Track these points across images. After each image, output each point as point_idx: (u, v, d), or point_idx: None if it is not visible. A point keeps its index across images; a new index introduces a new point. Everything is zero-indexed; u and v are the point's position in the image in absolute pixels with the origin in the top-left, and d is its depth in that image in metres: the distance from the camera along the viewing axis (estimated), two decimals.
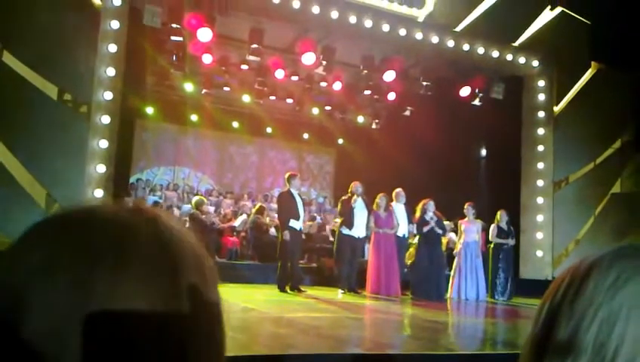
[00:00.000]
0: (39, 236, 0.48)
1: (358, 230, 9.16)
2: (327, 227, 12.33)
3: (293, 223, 8.68)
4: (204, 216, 10.64)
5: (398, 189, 9.90)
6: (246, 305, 6.54)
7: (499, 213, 9.92)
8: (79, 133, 8.26)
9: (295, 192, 8.89)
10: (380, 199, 9.43)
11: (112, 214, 0.50)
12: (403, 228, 9.70)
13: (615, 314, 0.51)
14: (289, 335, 4.80)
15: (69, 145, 8.16)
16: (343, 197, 9.53)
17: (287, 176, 9.10)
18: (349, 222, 9.10)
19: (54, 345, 0.42)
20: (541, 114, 11.54)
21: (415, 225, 9.73)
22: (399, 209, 9.70)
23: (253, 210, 11.89)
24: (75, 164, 8.13)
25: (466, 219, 9.80)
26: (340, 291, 8.97)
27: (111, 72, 8.44)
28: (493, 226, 9.88)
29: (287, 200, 8.77)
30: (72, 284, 0.44)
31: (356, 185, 9.30)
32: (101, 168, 8.30)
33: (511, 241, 9.90)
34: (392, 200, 9.70)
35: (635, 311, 0.50)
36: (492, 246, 9.87)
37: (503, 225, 9.88)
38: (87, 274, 0.44)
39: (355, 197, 9.16)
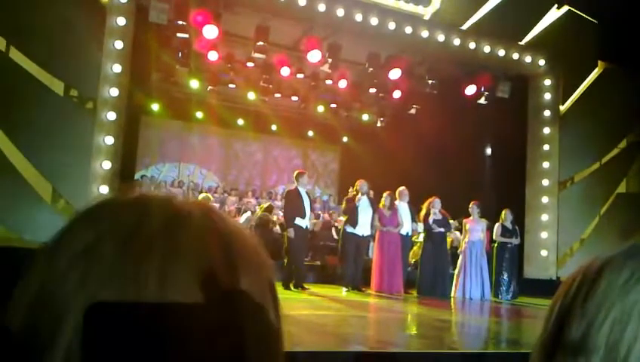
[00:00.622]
0: (84, 223, 0.45)
1: (363, 228, 9.14)
2: (335, 225, 12.32)
3: (298, 221, 8.69)
4: None
5: (402, 188, 9.89)
6: None
7: (503, 212, 9.90)
8: (85, 129, 8.28)
9: (302, 190, 8.90)
10: (385, 198, 9.43)
11: (164, 201, 0.47)
12: (407, 226, 9.69)
13: (628, 314, 0.50)
14: (294, 333, 4.81)
15: (75, 141, 8.19)
16: (347, 196, 9.53)
17: (295, 173, 9.14)
18: (353, 221, 9.10)
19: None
20: (547, 113, 11.50)
21: (422, 224, 9.74)
22: (403, 207, 9.69)
23: (261, 208, 11.91)
24: (80, 159, 8.15)
25: (471, 218, 9.78)
26: (344, 289, 8.97)
27: (117, 68, 8.46)
28: (497, 225, 9.86)
29: (294, 198, 8.79)
30: (118, 274, 0.41)
31: (361, 184, 9.28)
32: (106, 164, 8.33)
33: (515, 241, 9.87)
34: (396, 199, 9.69)
35: None
36: (496, 245, 9.85)
37: (508, 224, 9.86)
38: (135, 263, 0.41)
39: (359, 195, 9.16)
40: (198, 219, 0.46)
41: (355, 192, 9.34)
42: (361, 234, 9.15)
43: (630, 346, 0.49)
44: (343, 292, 8.85)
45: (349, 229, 9.11)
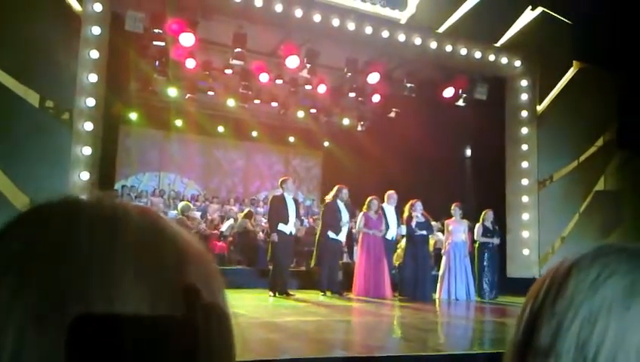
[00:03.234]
0: (14, 230, 0.44)
1: (342, 234, 9.26)
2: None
3: (282, 227, 8.67)
4: (190, 222, 10.57)
5: (391, 191, 9.93)
6: (235, 310, 6.50)
7: (484, 212, 9.99)
8: (62, 140, 8.17)
9: (288, 196, 8.89)
10: (372, 201, 9.44)
11: (98, 205, 0.45)
12: (392, 230, 9.72)
13: (596, 312, 0.50)
14: (279, 340, 4.79)
15: (52, 153, 8.07)
16: (327, 202, 9.54)
17: (280, 180, 9.17)
18: (336, 227, 9.12)
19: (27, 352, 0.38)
20: (524, 113, 11.64)
21: (405, 226, 9.77)
22: (390, 211, 9.72)
23: (241, 215, 11.84)
24: (58, 171, 8.03)
25: (453, 219, 9.84)
26: (321, 294, 8.93)
27: (93, 78, 8.37)
28: (478, 225, 9.93)
29: (278, 204, 8.79)
30: (49, 284, 0.39)
31: (344, 191, 9.32)
32: (85, 175, 8.22)
33: (495, 240, 9.94)
34: (383, 202, 9.72)
35: (616, 307, 0.50)
36: (477, 245, 9.92)
37: (488, 224, 9.94)
38: (70, 272, 0.40)
39: (337, 201, 9.20)
40: (139, 223, 0.45)
41: (332, 198, 9.35)
42: (340, 240, 9.21)
43: (599, 345, 0.49)
44: (320, 297, 8.79)
45: (332, 235, 9.10)
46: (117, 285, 0.41)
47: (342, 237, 9.22)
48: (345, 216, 9.24)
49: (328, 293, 8.95)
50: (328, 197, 9.53)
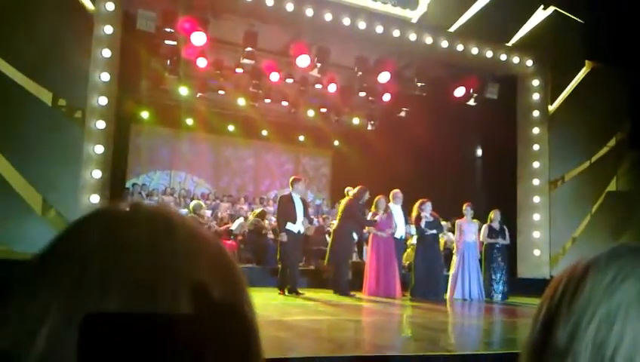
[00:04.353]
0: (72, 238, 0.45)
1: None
2: (328, 229, 12.31)
3: (290, 226, 8.69)
4: (201, 220, 10.61)
5: (396, 190, 9.90)
6: None
7: (491, 212, 9.93)
8: (74, 138, 8.23)
9: (296, 196, 8.89)
10: (379, 200, 9.43)
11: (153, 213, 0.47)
12: (400, 229, 9.70)
13: (613, 313, 0.50)
14: (288, 339, 4.80)
15: (64, 151, 8.13)
16: (349, 199, 9.54)
17: (291, 179, 9.16)
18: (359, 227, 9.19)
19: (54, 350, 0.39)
20: (536, 113, 11.57)
21: (413, 226, 9.75)
22: (396, 210, 9.70)
23: (253, 214, 11.88)
24: (70, 169, 8.10)
25: (464, 219, 9.80)
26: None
27: (105, 77, 8.42)
28: (484, 226, 9.87)
29: (286, 203, 8.80)
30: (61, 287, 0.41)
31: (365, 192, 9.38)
32: (97, 173, 8.28)
33: (503, 241, 9.86)
34: (389, 201, 9.70)
35: (633, 309, 0.50)
36: (484, 246, 9.87)
37: (495, 225, 9.87)
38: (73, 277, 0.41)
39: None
40: (187, 230, 0.46)
41: (352, 196, 9.41)
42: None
43: (616, 346, 0.49)
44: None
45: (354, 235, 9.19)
46: (162, 292, 0.42)
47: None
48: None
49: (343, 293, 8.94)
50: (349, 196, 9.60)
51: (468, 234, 9.68)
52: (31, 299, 0.41)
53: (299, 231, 8.87)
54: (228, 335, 0.44)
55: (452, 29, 10.87)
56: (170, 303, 0.41)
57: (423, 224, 9.45)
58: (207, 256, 0.46)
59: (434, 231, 9.48)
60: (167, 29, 9.52)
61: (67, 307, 0.40)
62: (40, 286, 0.41)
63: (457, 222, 9.96)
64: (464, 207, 9.81)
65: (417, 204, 9.55)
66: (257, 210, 12.09)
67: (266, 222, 11.91)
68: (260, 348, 0.47)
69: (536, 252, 11.30)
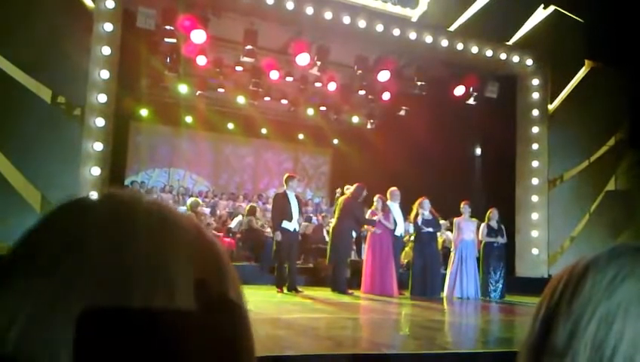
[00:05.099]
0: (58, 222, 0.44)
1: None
2: (327, 228, 12.30)
3: (285, 224, 8.67)
4: (199, 218, 10.61)
5: (393, 188, 9.89)
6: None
7: (489, 211, 9.95)
8: (73, 135, 8.23)
9: (291, 194, 8.88)
10: (377, 200, 9.44)
11: (110, 202, 0.46)
12: (400, 227, 9.70)
13: (613, 312, 0.50)
14: (286, 336, 4.80)
15: (63, 148, 8.13)
16: (345, 197, 9.53)
17: (285, 177, 9.12)
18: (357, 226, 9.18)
19: (41, 349, 0.38)
20: (535, 112, 11.57)
21: (412, 224, 9.76)
22: (394, 208, 9.71)
23: (245, 211, 11.85)
24: (69, 166, 8.09)
25: (462, 217, 9.81)
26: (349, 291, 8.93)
27: (105, 74, 8.41)
28: (483, 225, 9.89)
29: (281, 202, 8.78)
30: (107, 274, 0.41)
31: (363, 190, 9.34)
32: (96, 171, 8.27)
33: (501, 240, 9.87)
34: (387, 200, 9.70)
35: (634, 308, 0.50)
36: (482, 245, 9.88)
37: (493, 224, 9.88)
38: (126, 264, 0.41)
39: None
40: (188, 225, 0.46)
41: (348, 194, 9.38)
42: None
43: (616, 345, 0.49)
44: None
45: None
46: (177, 278, 0.42)
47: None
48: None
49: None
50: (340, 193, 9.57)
51: (466, 232, 9.70)
52: (7, 288, 0.41)
53: (294, 229, 8.87)
54: (212, 326, 0.43)
55: (452, 28, 10.87)
56: (145, 298, 0.40)
57: (419, 221, 9.46)
58: (183, 244, 0.44)
59: (430, 229, 9.50)
60: (167, 27, 9.51)
61: (40, 298, 0.40)
62: (15, 277, 0.41)
63: (455, 220, 9.97)
64: (462, 206, 9.82)
65: (417, 202, 9.56)
66: (247, 207, 12.02)
67: (260, 217, 11.85)
68: (252, 340, 0.46)
69: (535, 251, 11.32)
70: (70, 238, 0.42)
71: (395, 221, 9.57)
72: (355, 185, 9.52)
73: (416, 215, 9.50)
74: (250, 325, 0.46)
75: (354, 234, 9.37)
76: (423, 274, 9.35)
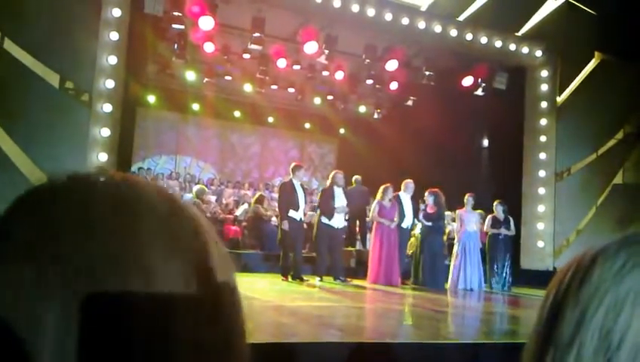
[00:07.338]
0: (24, 212, 0.43)
1: (337, 220, 9.05)
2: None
3: (292, 213, 8.68)
4: (205, 206, 10.64)
5: (408, 180, 9.90)
6: (248, 293, 6.56)
7: (495, 203, 9.94)
8: (81, 121, 8.25)
9: (297, 183, 8.88)
10: (387, 189, 9.42)
11: (116, 183, 0.46)
12: (408, 219, 9.70)
13: (622, 301, 0.50)
14: (291, 324, 4.82)
15: (71, 134, 8.15)
16: (323, 187, 9.51)
17: (292, 166, 9.12)
18: (329, 213, 9.00)
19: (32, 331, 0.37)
20: (544, 104, 11.50)
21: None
22: (406, 199, 9.70)
23: (253, 200, 11.88)
24: (76, 152, 8.12)
25: (465, 208, 9.80)
26: (317, 279, 8.85)
27: (112, 60, 8.41)
28: (488, 217, 9.90)
29: (288, 191, 8.78)
30: (55, 261, 0.39)
31: (337, 176, 9.23)
32: (103, 156, 8.30)
33: (507, 231, 9.87)
34: (399, 190, 9.69)
35: None
36: (488, 236, 9.89)
37: (499, 216, 9.88)
38: (100, 247, 0.40)
39: (335, 187, 9.08)
40: (161, 201, 0.45)
41: (328, 185, 9.32)
42: (335, 226, 9.01)
43: (623, 333, 0.49)
44: (316, 282, 8.74)
45: (325, 221, 8.99)
46: (149, 259, 0.41)
47: (336, 223, 9.03)
48: (340, 201, 9.11)
49: (321, 277, 8.84)
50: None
51: (469, 224, 9.70)
52: None
53: (300, 219, 8.89)
54: (194, 307, 0.41)
55: (461, 18, 10.79)
56: (121, 284, 0.39)
57: (420, 215, 9.55)
58: (155, 223, 0.43)
59: (429, 224, 9.52)
60: (175, 13, 9.49)
61: (18, 285, 0.39)
62: None
63: (458, 212, 9.98)
64: (466, 197, 9.81)
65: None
66: (256, 195, 12.06)
67: (266, 206, 11.87)
68: (242, 321, 0.45)
69: (540, 243, 11.29)
70: (44, 225, 0.41)
71: (404, 212, 9.56)
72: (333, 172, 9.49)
73: (419, 209, 9.56)
74: (240, 306, 0.46)
75: (326, 221, 9.10)
76: (428, 265, 9.38)
